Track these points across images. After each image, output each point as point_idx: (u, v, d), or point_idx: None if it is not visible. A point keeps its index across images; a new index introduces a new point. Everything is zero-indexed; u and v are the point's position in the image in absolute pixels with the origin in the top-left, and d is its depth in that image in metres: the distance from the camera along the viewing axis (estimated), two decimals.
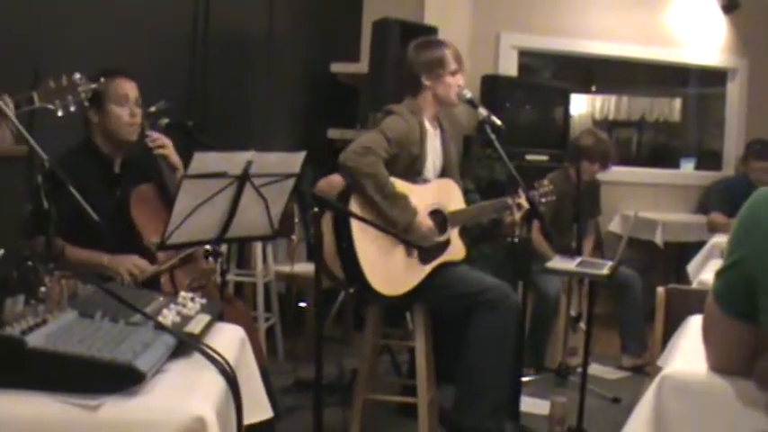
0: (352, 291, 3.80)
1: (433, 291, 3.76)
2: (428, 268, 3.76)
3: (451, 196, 3.93)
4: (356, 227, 3.58)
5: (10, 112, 2.48)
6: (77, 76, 2.73)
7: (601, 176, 5.68)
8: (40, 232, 2.32)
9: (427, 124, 3.90)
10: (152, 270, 3.17)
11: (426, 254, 3.73)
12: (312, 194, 2.97)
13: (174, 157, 3.45)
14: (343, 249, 3.60)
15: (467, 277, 3.80)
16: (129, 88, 3.37)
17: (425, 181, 3.88)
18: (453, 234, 3.88)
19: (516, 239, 3.98)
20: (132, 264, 3.17)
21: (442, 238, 3.82)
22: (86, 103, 2.90)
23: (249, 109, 5.74)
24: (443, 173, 4.00)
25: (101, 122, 3.34)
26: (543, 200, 3.98)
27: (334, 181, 3.77)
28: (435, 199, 3.85)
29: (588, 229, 5.78)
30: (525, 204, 3.84)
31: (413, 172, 3.81)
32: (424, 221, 3.74)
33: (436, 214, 3.83)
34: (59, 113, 2.68)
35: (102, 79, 2.96)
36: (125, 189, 3.35)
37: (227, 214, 2.74)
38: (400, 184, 3.71)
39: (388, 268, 3.66)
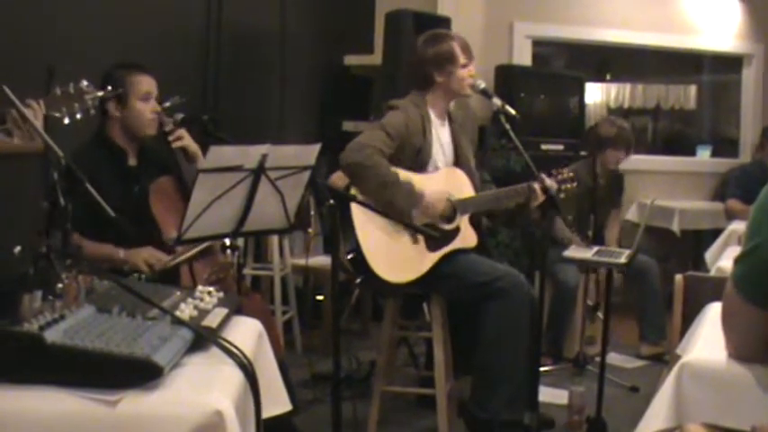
0: (358, 281, 3.78)
1: (443, 279, 3.74)
2: (437, 256, 3.74)
3: (460, 184, 3.91)
4: (357, 216, 3.58)
5: (38, 123, 2.50)
6: (85, 83, 2.74)
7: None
8: (56, 229, 2.33)
9: (434, 117, 3.89)
10: (169, 260, 3.18)
11: (433, 241, 3.71)
12: (323, 185, 2.97)
13: (193, 146, 3.45)
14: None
15: (478, 265, 3.77)
16: (151, 84, 3.41)
17: (435, 170, 3.86)
18: (463, 222, 3.86)
19: (535, 231, 3.95)
20: (149, 254, 3.21)
21: (450, 226, 3.81)
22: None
23: (263, 102, 5.74)
24: (456, 165, 3.98)
25: (122, 117, 3.37)
26: (563, 187, 3.96)
27: None
28: (444, 187, 3.83)
29: (611, 219, 5.75)
30: (544, 188, 3.82)
31: (418, 164, 3.79)
32: (432, 203, 3.72)
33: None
34: (66, 121, 2.69)
35: (110, 87, 3.01)
36: (143, 183, 3.36)
37: (244, 208, 2.74)
38: (405, 175, 3.70)
39: (393, 256, 3.65)
